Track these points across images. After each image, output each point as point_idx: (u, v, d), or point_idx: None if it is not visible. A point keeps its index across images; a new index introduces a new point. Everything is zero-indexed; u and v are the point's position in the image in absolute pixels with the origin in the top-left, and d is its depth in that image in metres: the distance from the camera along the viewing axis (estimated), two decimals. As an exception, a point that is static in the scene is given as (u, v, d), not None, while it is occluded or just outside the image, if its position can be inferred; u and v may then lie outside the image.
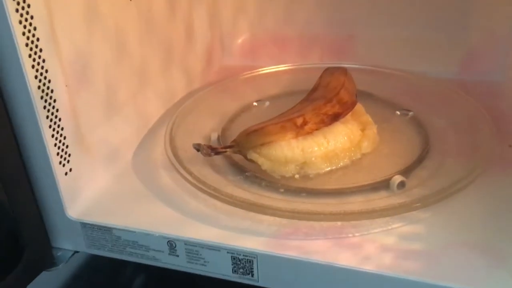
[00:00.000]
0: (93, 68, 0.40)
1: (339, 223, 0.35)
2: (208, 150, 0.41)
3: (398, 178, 0.38)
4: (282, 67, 0.59)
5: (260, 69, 0.59)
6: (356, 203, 0.37)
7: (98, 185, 0.41)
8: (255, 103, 0.53)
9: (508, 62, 0.54)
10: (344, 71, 0.48)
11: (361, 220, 0.35)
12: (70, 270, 0.41)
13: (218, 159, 0.43)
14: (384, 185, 0.39)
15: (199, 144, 0.41)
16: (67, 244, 0.39)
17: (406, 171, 0.40)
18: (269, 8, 0.64)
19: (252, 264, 0.34)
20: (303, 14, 0.63)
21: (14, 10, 0.31)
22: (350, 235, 0.34)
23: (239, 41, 0.66)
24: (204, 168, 0.42)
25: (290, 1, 0.62)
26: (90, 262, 0.46)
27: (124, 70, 0.45)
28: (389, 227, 0.35)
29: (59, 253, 0.40)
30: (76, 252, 0.40)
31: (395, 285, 0.31)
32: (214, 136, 0.47)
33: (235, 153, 0.42)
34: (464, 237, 0.33)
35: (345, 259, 0.32)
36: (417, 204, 0.35)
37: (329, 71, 0.49)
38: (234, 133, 0.48)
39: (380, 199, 0.37)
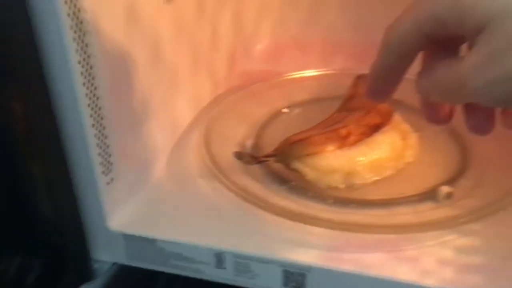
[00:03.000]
0: (131, 73, 0.39)
1: (391, 235, 0.35)
2: (250, 158, 0.40)
3: (445, 189, 0.38)
4: (307, 73, 0.58)
5: (285, 75, 0.58)
6: (407, 214, 0.36)
7: (136, 195, 0.40)
8: (285, 110, 0.52)
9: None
10: (377, 79, 0.48)
11: (415, 233, 0.35)
12: (100, 282, 0.40)
13: (255, 167, 0.42)
14: (430, 195, 0.38)
15: (240, 153, 0.40)
16: (106, 256, 0.38)
17: (451, 181, 0.39)
18: (291, 13, 0.63)
19: (305, 277, 0.34)
20: (327, 18, 0.62)
21: (66, 15, 0.30)
22: (405, 248, 0.34)
23: (261, 45, 0.65)
24: (244, 177, 0.41)
25: (313, 5, 0.61)
26: (118, 274, 0.44)
27: (158, 75, 0.43)
28: (443, 240, 0.34)
29: (97, 265, 0.38)
30: (114, 264, 0.39)
31: (457, 300, 0.31)
32: (249, 144, 0.46)
33: (277, 162, 0.41)
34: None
35: (404, 273, 0.32)
36: (472, 216, 0.34)
37: (363, 80, 0.48)
38: (268, 140, 0.47)
39: (430, 211, 0.37)
